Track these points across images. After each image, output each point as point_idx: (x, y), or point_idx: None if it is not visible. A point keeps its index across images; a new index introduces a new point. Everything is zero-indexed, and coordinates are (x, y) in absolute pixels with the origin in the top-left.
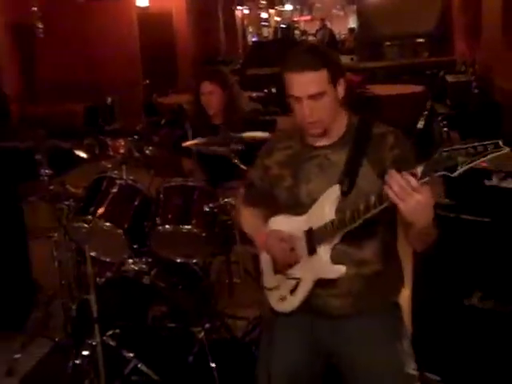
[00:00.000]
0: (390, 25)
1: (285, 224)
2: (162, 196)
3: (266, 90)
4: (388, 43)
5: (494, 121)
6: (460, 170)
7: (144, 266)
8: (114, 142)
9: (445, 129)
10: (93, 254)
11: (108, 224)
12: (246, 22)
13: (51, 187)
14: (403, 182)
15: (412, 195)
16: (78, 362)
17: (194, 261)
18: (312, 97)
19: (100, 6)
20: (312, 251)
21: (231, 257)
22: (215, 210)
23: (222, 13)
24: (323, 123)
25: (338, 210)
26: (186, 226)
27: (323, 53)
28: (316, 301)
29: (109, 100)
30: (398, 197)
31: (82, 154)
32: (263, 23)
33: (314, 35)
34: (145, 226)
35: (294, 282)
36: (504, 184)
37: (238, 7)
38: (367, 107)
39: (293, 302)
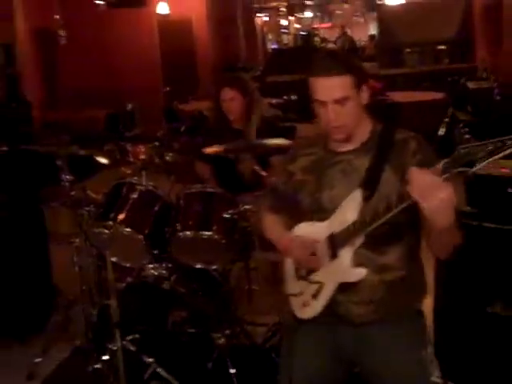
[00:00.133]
0: (411, 31)
1: (308, 230)
2: (182, 202)
3: (285, 97)
4: (408, 50)
5: None
6: (479, 166)
7: (164, 272)
8: (134, 148)
9: (466, 136)
10: (113, 259)
11: (129, 230)
12: (265, 29)
13: (72, 193)
14: (426, 179)
15: (434, 192)
16: (98, 366)
17: (214, 267)
18: (337, 101)
19: (121, 14)
20: (334, 255)
21: (250, 263)
22: (235, 217)
23: (241, 20)
24: (347, 128)
25: (360, 215)
26: (207, 233)
27: (347, 58)
28: (338, 308)
29: (129, 106)
30: (421, 194)
31: (103, 160)
32: (283, 30)
33: (334, 42)
34: (165, 232)
35: (316, 287)
36: None
37: (258, 14)
38: (387, 114)
39: (316, 307)
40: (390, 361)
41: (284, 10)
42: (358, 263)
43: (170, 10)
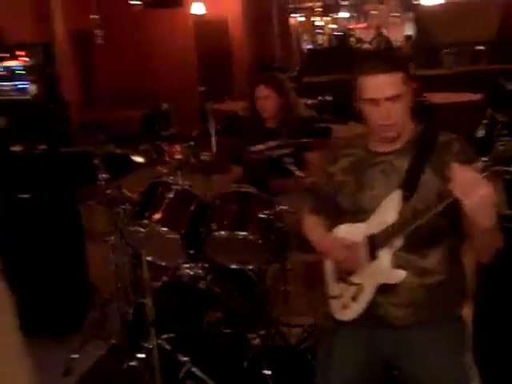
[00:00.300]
0: (449, 32)
1: (348, 232)
2: (218, 202)
3: (320, 98)
4: (446, 50)
5: None
6: None
7: (200, 272)
8: (170, 148)
9: (506, 138)
10: (149, 258)
11: (165, 229)
12: (300, 30)
13: (108, 191)
14: (467, 175)
15: (475, 189)
16: (133, 364)
17: (250, 267)
18: (389, 99)
19: (157, 14)
20: (373, 256)
21: (286, 264)
22: (271, 217)
23: (276, 20)
24: (398, 126)
25: (400, 215)
26: (242, 233)
27: (397, 56)
28: (377, 310)
29: (164, 106)
30: (462, 191)
31: (139, 159)
32: (318, 31)
33: (370, 43)
34: (201, 232)
35: (355, 289)
36: None
37: (293, 15)
38: (425, 115)
39: (355, 310)
40: (428, 364)
41: (319, 10)
42: (397, 265)
43: (206, 10)
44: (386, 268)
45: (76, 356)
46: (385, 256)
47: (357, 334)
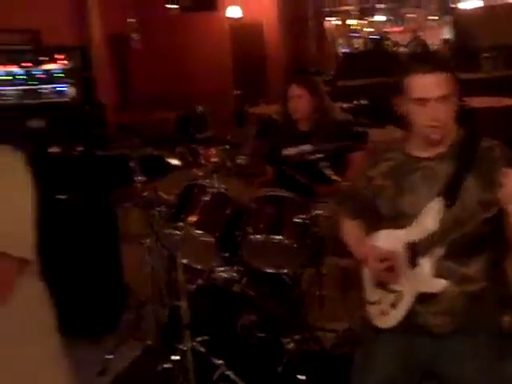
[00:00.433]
0: (488, 35)
1: (387, 238)
2: (253, 205)
3: (355, 102)
4: (485, 54)
5: None
6: None
7: (235, 275)
8: (205, 151)
9: None
10: (184, 261)
11: (200, 232)
12: (335, 33)
13: (144, 193)
14: None
15: None
16: (168, 366)
17: (285, 271)
18: (439, 99)
19: (193, 18)
20: (414, 264)
21: (322, 269)
22: (307, 222)
23: (312, 24)
24: (445, 129)
25: (441, 222)
26: (277, 237)
27: (445, 57)
28: (416, 319)
29: (199, 109)
30: (510, 198)
31: (175, 162)
32: (353, 34)
33: (406, 46)
34: (236, 236)
35: (395, 296)
36: None
37: (329, 18)
38: (464, 120)
39: (395, 317)
40: (467, 373)
41: (355, 13)
42: (438, 274)
43: (242, 13)
44: (426, 277)
45: (111, 357)
46: (425, 264)
47: (397, 341)
